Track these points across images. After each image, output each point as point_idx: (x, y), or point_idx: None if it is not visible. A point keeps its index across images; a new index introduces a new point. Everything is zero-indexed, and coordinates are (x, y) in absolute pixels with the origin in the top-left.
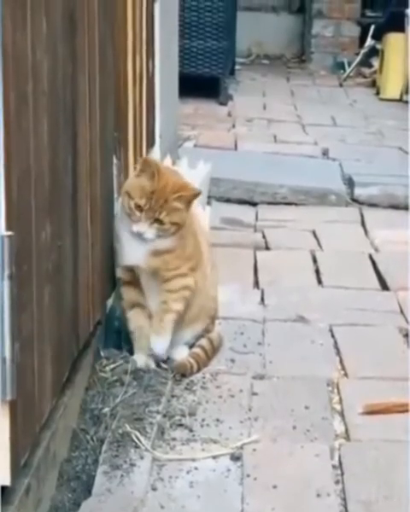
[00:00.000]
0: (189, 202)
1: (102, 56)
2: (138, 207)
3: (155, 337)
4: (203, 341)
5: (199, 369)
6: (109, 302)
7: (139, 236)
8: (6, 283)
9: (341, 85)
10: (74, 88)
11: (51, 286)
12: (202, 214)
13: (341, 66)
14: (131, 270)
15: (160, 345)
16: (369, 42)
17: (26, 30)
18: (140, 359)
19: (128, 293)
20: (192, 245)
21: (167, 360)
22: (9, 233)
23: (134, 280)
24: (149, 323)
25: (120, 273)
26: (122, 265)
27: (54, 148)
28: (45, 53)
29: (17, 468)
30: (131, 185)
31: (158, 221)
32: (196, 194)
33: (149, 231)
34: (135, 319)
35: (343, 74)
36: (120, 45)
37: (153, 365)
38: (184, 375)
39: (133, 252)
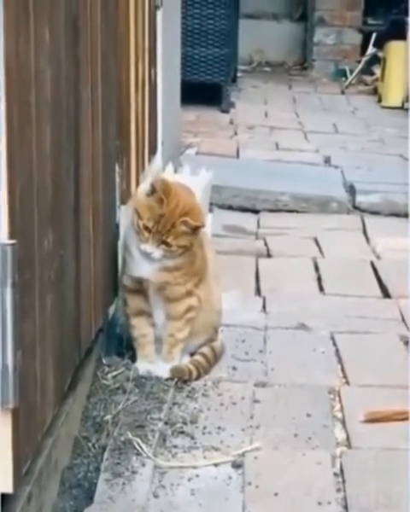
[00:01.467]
0: (195, 229)
1: (105, 64)
2: (146, 228)
3: (163, 364)
4: (205, 349)
5: (199, 376)
6: (111, 309)
7: (146, 256)
8: (8, 291)
9: (342, 93)
10: (77, 96)
11: (53, 294)
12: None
13: (342, 73)
14: (138, 280)
15: (167, 368)
16: (371, 50)
17: (28, 39)
18: (142, 367)
19: (133, 301)
20: (200, 258)
21: None
22: (12, 241)
23: (140, 289)
24: (152, 332)
25: (126, 281)
26: (131, 276)
27: (56, 157)
28: (48, 62)
29: (19, 476)
30: (140, 204)
31: (165, 243)
32: (200, 226)
33: (157, 252)
34: (139, 327)
35: (345, 82)
36: (122, 53)
37: (154, 373)
38: (183, 381)
39: (143, 265)
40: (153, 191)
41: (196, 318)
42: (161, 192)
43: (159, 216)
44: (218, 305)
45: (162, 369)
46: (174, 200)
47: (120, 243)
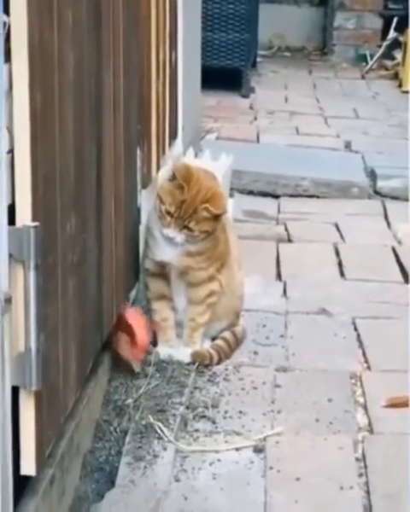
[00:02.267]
0: (216, 216)
1: (126, 48)
2: (169, 213)
3: (184, 348)
4: (226, 334)
5: (220, 361)
6: (133, 294)
7: (169, 240)
8: (32, 274)
9: (363, 78)
10: (99, 80)
11: (76, 277)
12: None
13: (363, 58)
14: (161, 264)
15: (188, 353)
16: (392, 34)
17: (52, 22)
18: (163, 351)
19: (155, 285)
20: (222, 243)
21: None
22: (35, 224)
23: (162, 273)
24: (173, 316)
25: (149, 265)
26: (154, 260)
27: (79, 140)
28: (71, 45)
29: (42, 459)
30: (163, 189)
31: (187, 228)
32: (222, 214)
33: (179, 236)
34: (160, 311)
35: (366, 67)
36: (143, 37)
37: (175, 357)
38: (204, 365)
39: (165, 249)
40: (174, 177)
41: (218, 303)
42: (181, 179)
43: (180, 202)
44: (240, 290)
45: (183, 354)
46: (196, 186)
47: (142, 227)
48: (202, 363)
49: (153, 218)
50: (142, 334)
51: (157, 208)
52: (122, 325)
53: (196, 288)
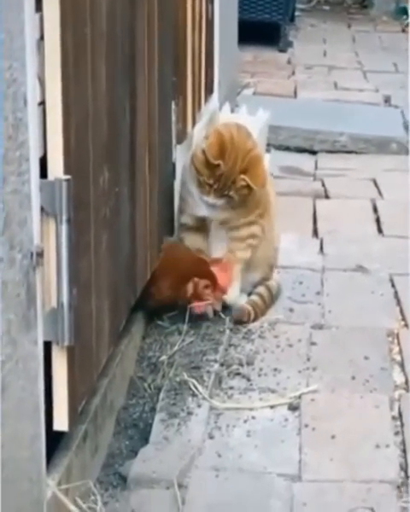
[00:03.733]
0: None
1: (161, 0)
2: (208, 184)
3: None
4: (261, 289)
5: (256, 318)
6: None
7: (209, 205)
8: (64, 227)
9: (403, 31)
10: (133, 31)
11: (109, 232)
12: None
13: (403, 11)
14: (199, 218)
15: (230, 294)
16: None
17: None
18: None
19: (191, 239)
20: (264, 193)
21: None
22: (67, 177)
23: (200, 226)
24: None
25: (186, 219)
26: (191, 214)
27: (112, 92)
28: None
29: (75, 415)
30: (198, 160)
31: (227, 196)
32: (259, 188)
33: (219, 202)
34: None
35: (406, 20)
36: None
37: (211, 314)
38: (242, 322)
39: (205, 206)
40: (206, 155)
41: (256, 251)
42: (213, 158)
43: (218, 175)
44: (276, 242)
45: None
46: (231, 159)
47: (177, 183)
48: (242, 321)
49: (189, 174)
50: (223, 277)
51: (195, 175)
52: (188, 272)
53: (237, 230)
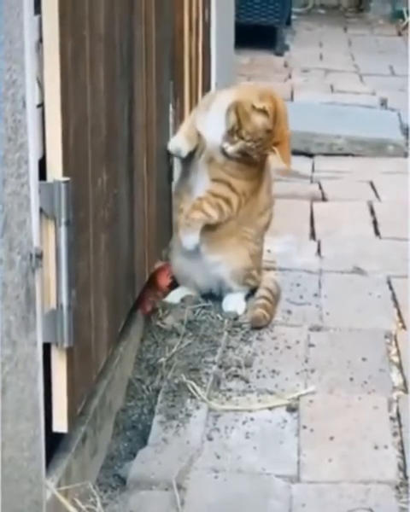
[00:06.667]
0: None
1: (159, 3)
2: (241, 137)
3: (182, 234)
4: (263, 292)
5: (271, 319)
6: (165, 252)
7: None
8: (63, 229)
9: (400, 34)
10: (131, 35)
11: (108, 234)
12: None
13: (400, 14)
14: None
15: (187, 240)
16: None
17: None
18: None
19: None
20: (261, 176)
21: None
22: (66, 179)
23: (193, 143)
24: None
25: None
26: (197, 128)
27: (110, 95)
28: None
29: (74, 416)
30: (244, 113)
31: (248, 155)
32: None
33: (234, 153)
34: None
35: (402, 23)
36: None
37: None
38: (260, 328)
39: (218, 134)
40: (264, 111)
41: (232, 232)
42: (269, 123)
43: (258, 138)
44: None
45: (183, 239)
46: (278, 129)
47: (174, 185)
48: (257, 326)
49: (204, 111)
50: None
51: (229, 122)
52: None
53: (217, 184)
